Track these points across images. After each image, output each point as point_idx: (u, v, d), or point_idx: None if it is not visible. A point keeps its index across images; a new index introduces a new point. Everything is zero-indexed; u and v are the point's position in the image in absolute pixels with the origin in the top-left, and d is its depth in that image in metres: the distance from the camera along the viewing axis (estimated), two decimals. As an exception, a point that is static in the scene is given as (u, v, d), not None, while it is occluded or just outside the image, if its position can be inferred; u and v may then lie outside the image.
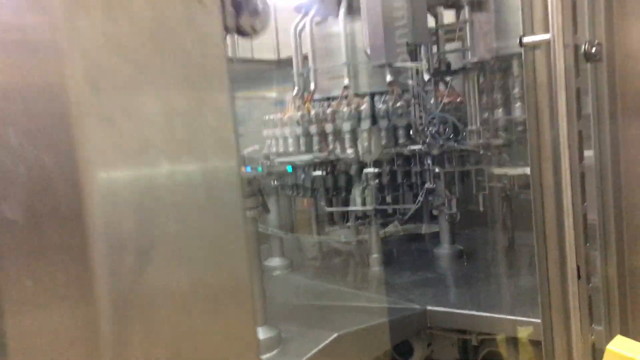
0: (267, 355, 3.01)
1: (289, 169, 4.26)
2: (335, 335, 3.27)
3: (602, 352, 1.88)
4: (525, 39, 1.76)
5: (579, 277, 1.75)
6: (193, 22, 0.83)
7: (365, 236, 4.77)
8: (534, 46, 1.77)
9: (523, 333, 3.59)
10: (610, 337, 1.89)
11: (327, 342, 3.20)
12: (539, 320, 3.36)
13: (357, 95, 4.40)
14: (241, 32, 0.91)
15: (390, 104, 4.19)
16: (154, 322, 0.78)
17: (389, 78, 4.21)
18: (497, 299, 3.99)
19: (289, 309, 3.81)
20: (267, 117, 4.88)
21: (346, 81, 4.41)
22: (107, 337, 0.74)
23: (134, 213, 0.76)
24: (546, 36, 1.70)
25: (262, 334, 2.98)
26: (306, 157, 4.38)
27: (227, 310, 0.88)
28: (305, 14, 4.55)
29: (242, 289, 0.90)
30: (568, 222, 1.73)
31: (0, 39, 0.76)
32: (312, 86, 4.65)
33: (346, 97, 4.42)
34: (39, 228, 0.78)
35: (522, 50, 3.84)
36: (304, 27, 4.58)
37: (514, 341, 3.78)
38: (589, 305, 1.82)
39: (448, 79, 4.47)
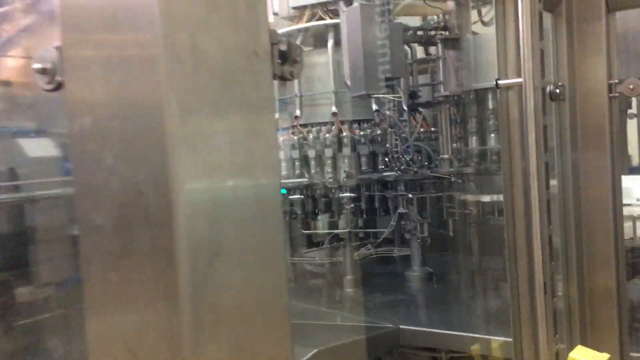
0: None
1: (283, 191, 4.46)
2: (315, 351, 3.44)
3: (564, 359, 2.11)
4: (501, 82, 2.01)
5: (545, 291, 1.98)
6: (251, 70, 1.03)
7: (340, 258, 4.97)
8: (508, 88, 2.02)
9: (491, 350, 3.82)
10: (571, 347, 2.12)
11: (307, 357, 3.36)
12: (504, 338, 3.62)
13: (303, 125, 4.68)
14: (283, 77, 1.12)
15: (333, 133, 4.48)
16: (219, 315, 0.96)
17: (333, 109, 4.51)
18: (465, 319, 4.21)
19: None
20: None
21: (297, 112, 4.68)
22: (184, 327, 0.92)
23: (206, 221, 0.94)
24: (519, 80, 1.95)
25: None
26: (290, 181, 4.58)
27: (271, 311, 1.07)
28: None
29: (281, 293, 1.09)
30: (536, 242, 1.96)
31: (101, 57, 0.95)
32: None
33: (294, 126, 4.69)
34: (129, 233, 0.95)
35: (486, 87, 4.16)
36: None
37: (481, 359, 4.01)
38: (554, 317, 2.05)
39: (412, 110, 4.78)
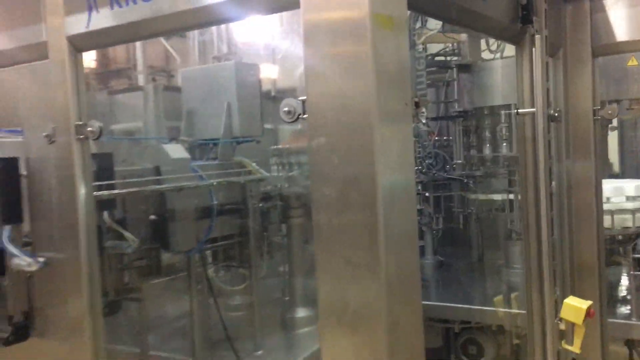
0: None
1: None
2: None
3: (559, 305, 2.98)
4: (520, 111, 2.89)
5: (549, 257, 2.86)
6: (404, 112, 1.90)
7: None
8: (524, 115, 2.90)
9: (492, 320, 4.71)
10: (565, 297, 3.01)
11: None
12: (504, 309, 4.52)
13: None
14: (414, 116, 1.99)
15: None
16: (393, 246, 1.82)
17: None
18: (473, 295, 5.11)
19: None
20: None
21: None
22: (380, 248, 1.78)
23: (388, 198, 1.80)
24: (532, 110, 2.82)
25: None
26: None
27: (409, 252, 1.94)
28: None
29: (415, 244, 1.96)
30: (544, 222, 2.84)
31: (329, 104, 1.81)
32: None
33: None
34: (347, 199, 1.81)
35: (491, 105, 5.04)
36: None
37: (486, 328, 4.90)
38: (554, 275, 2.93)
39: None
